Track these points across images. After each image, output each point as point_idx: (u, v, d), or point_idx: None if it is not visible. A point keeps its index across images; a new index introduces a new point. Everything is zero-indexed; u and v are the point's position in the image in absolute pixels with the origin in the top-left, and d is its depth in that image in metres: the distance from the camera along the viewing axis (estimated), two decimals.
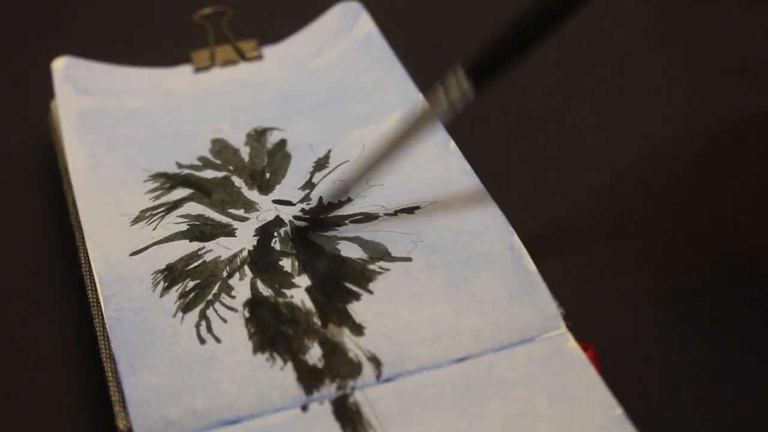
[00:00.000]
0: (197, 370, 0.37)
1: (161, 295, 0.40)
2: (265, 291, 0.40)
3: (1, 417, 0.40)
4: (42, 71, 0.52)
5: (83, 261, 0.43)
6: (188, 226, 0.43)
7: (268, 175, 0.45)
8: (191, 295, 0.40)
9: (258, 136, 0.48)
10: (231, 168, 0.46)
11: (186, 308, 0.39)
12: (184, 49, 0.54)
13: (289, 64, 0.53)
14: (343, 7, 0.55)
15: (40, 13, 0.63)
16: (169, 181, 0.45)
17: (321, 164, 0.46)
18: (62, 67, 0.51)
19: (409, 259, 0.40)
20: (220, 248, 0.42)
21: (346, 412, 0.36)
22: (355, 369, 0.37)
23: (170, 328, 0.38)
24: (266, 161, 0.46)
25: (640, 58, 0.56)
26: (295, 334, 0.38)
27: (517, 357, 0.37)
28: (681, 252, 0.44)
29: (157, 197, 0.44)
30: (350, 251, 0.41)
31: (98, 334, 0.40)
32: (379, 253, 0.41)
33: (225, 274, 0.41)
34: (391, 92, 0.49)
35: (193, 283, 0.40)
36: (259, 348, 0.38)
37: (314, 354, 0.37)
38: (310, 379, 0.37)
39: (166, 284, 0.40)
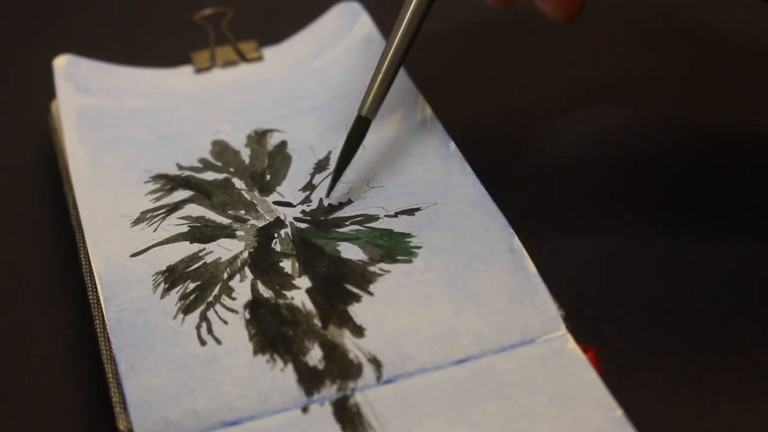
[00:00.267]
0: (198, 371, 0.37)
1: (162, 297, 0.40)
2: (266, 292, 0.40)
3: (1, 417, 0.40)
4: (42, 72, 0.52)
5: (83, 261, 0.43)
6: (189, 228, 0.43)
7: (268, 176, 0.45)
8: (192, 297, 0.40)
9: (258, 137, 0.48)
10: (231, 170, 0.46)
11: (187, 310, 0.39)
12: (184, 49, 0.54)
13: (290, 65, 0.53)
14: (342, 8, 0.54)
15: (41, 14, 0.63)
16: (169, 182, 0.45)
17: (321, 166, 0.46)
18: (63, 65, 0.51)
19: (409, 261, 0.40)
20: (220, 250, 0.42)
21: (347, 414, 0.36)
22: (355, 370, 0.37)
23: (171, 329, 0.38)
24: (267, 163, 0.46)
25: (640, 58, 0.56)
26: (295, 335, 0.38)
27: (518, 358, 0.37)
28: (681, 252, 0.44)
29: (158, 199, 0.44)
30: (351, 253, 0.41)
31: (99, 335, 0.40)
32: (379, 254, 0.41)
33: (225, 275, 0.41)
34: (391, 92, 0.48)
35: (193, 285, 0.40)
36: (259, 349, 0.38)
37: (315, 355, 0.37)
38: (310, 380, 0.37)
39: (167, 286, 0.40)
